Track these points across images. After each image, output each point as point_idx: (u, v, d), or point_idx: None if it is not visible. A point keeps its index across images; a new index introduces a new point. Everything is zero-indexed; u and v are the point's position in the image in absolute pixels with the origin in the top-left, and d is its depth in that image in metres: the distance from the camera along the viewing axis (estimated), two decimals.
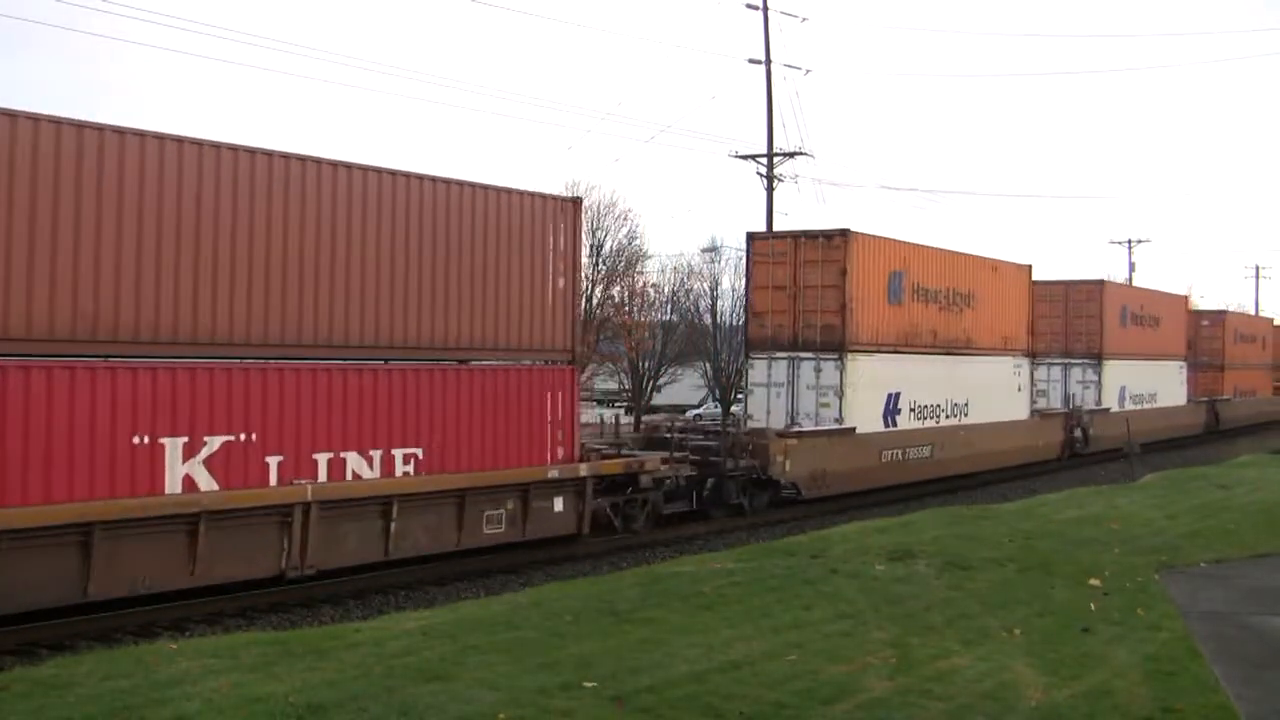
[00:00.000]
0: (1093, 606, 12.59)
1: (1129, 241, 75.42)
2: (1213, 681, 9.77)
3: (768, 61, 37.38)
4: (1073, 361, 37.68)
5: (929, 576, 14.04)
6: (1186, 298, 53.07)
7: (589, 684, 9.24)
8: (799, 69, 41.32)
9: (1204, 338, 50.77)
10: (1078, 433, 35.15)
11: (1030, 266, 33.03)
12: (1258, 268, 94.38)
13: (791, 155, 37.92)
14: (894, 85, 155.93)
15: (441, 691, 8.91)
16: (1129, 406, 39.28)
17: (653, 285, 52.11)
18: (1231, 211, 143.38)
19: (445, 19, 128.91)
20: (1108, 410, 37.10)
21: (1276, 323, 65.79)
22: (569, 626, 11.28)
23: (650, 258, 68.73)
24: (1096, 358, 37.85)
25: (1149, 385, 41.53)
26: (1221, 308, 61.39)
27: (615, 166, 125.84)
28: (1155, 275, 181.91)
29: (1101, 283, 39.38)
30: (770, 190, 37.86)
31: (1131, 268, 75.58)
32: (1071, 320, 37.95)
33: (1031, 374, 33.09)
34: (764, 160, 37.77)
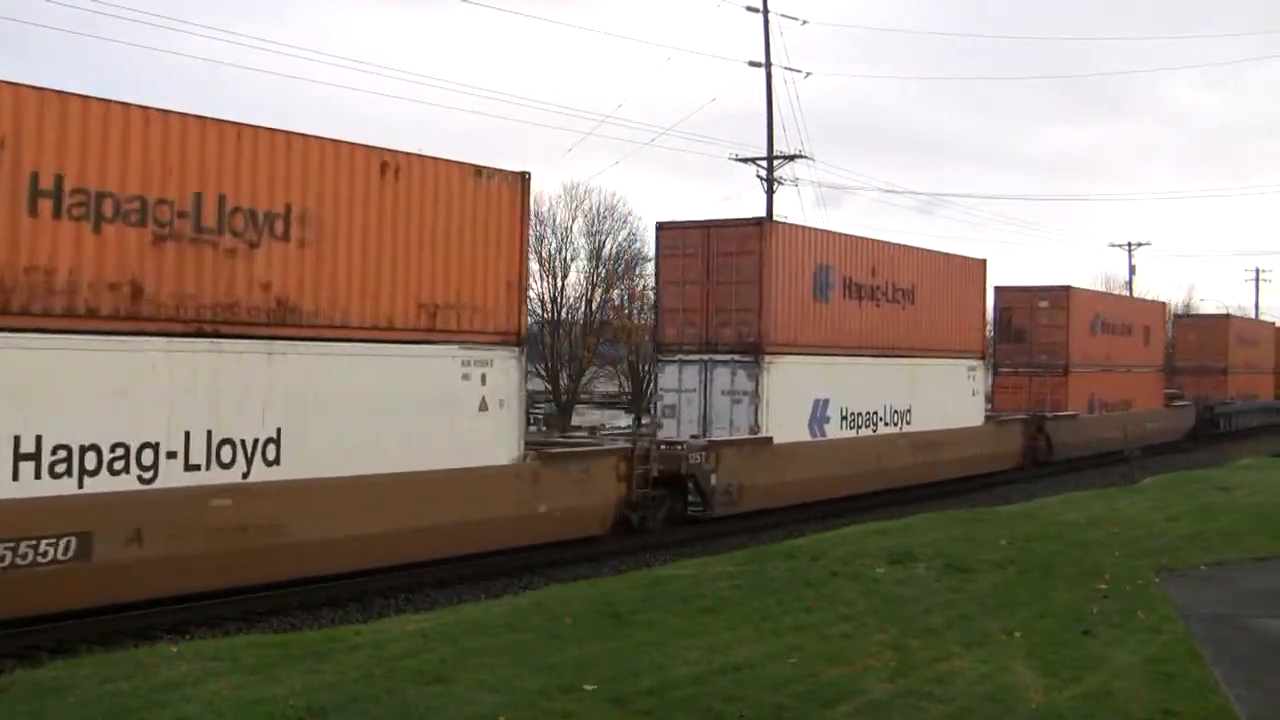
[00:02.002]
0: (1093, 609, 12.59)
1: (1129, 244, 75.46)
2: (1213, 684, 9.77)
3: (768, 64, 37.46)
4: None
5: (929, 579, 14.05)
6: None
7: (589, 686, 9.24)
8: (799, 71, 41.44)
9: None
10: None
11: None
12: (1258, 270, 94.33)
13: (792, 158, 38.01)
14: (894, 86, 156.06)
15: (442, 694, 8.91)
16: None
17: (653, 288, 52.15)
18: (1231, 214, 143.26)
19: (445, 19, 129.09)
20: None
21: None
22: (569, 629, 11.29)
23: (650, 260, 68.66)
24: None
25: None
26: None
27: (615, 168, 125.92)
28: (1155, 276, 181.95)
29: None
30: (770, 193, 37.93)
31: (1131, 270, 75.61)
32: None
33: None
34: (764, 163, 37.81)
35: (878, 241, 26.21)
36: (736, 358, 22.43)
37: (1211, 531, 18.66)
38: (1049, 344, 35.51)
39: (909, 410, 26.55)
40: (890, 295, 26.06)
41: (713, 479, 21.02)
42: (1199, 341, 52.72)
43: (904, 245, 27.24)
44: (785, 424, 22.74)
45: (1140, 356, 41.25)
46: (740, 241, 22.47)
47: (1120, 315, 40.30)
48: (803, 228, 24.32)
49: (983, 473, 30.34)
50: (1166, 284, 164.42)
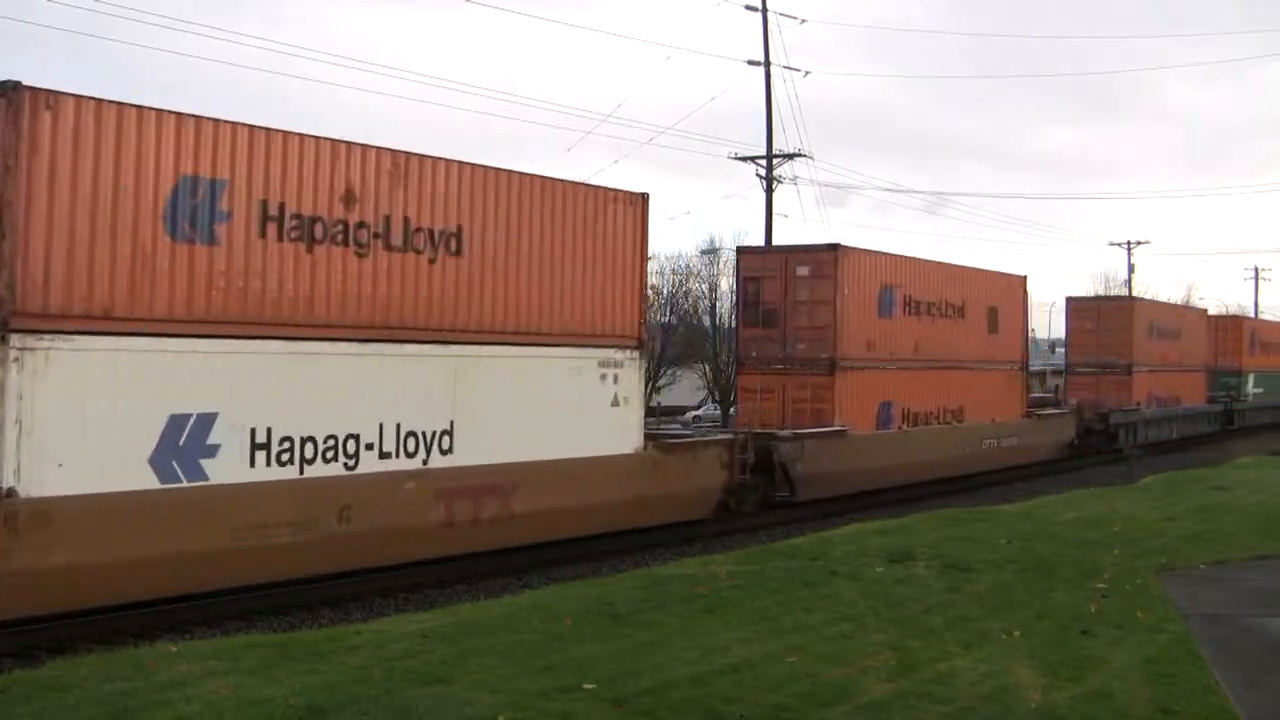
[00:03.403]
0: (1093, 609, 12.59)
1: (1128, 243, 75.43)
2: (1213, 684, 9.77)
3: (766, 63, 37.48)
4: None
5: (929, 578, 14.05)
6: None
7: (589, 686, 9.24)
8: (798, 70, 41.45)
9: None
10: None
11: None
12: (1257, 269, 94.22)
13: (791, 157, 38.04)
14: (895, 85, 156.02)
15: (441, 694, 8.91)
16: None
17: (651, 287, 52.10)
18: (1231, 213, 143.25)
19: (445, 19, 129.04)
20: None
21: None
22: (568, 629, 11.28)
23: (649, 259, 68.59)
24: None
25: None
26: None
27: (614, 168, 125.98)
28: (1155, 276, 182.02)
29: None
30: (769, 192, 37.95)
31: (1131, 269, 75.56)
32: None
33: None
34: (763, 162, 37.81)
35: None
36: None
37: (1211, 531, 18.67)
38: (811, 329, 25.22)
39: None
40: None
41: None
42: (1096, 331, 40.64)
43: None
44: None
45: (981, 349, 30.76)
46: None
47: (943, 289, 29.01)
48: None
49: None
50: (1166, 283, 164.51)
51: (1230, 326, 53.87)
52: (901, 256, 27.81)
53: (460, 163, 16.38)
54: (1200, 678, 9.97)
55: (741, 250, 27.40)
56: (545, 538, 17.84)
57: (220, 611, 14.12)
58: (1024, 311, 33.45)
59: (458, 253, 16.20)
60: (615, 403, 18.88)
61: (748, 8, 37.61)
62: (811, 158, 45.95)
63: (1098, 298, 54.56)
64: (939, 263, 29.25)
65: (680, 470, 20.48)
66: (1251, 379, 53.20)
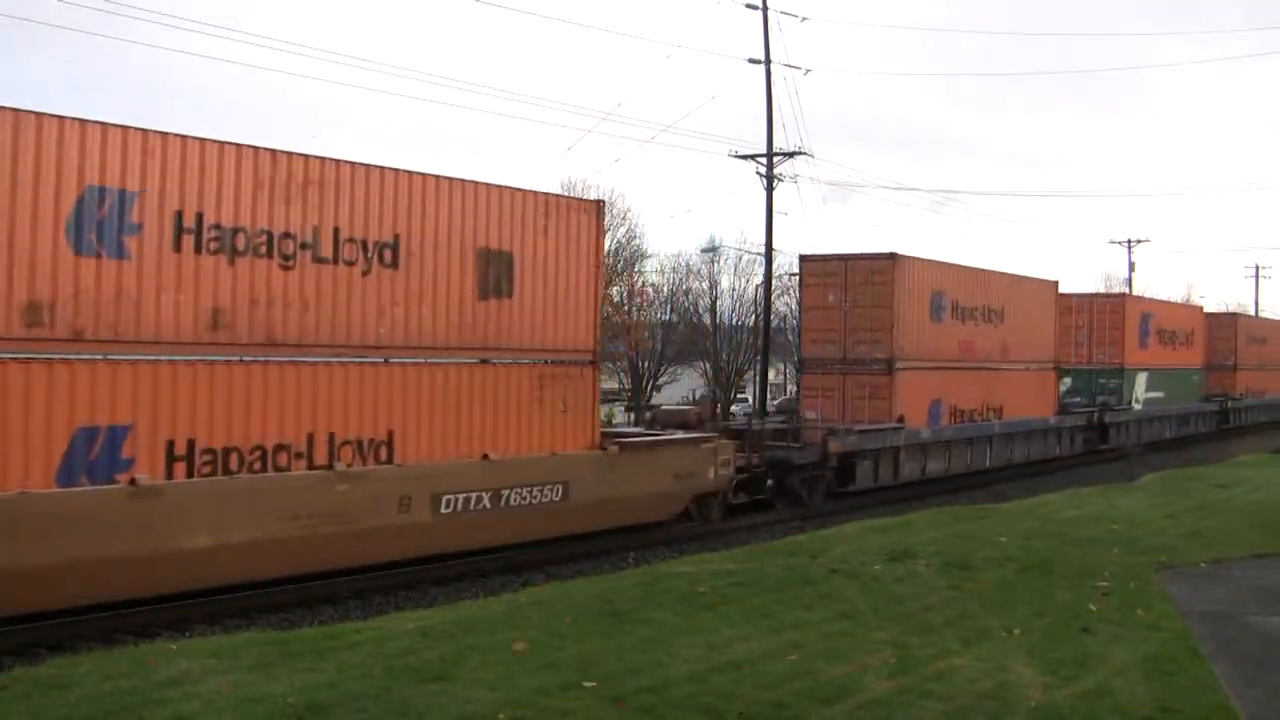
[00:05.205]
0: (1093, 606, 12.59)
1: (1129, 241, 75.38)
2: (1213, 681, 9.77)
3: (767, 61, 37.37)
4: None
5: (929, 576, 14.05)
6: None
7: (589, 684, 9.24)
8: (799, 69, 41.38)
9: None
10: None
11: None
12: (1257, 267, 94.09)
13: (791, 155, 37.89)
14: (893, 85, 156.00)
15: (441, 692, 8.92)
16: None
17: (652, 285, 52.18)
18: (1232, 211, 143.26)
19: (445, 18, 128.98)
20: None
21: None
22: (569, 626, 11.29)
23: (649, 257, 68.81)
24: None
25: None
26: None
27: (615, 166, 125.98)
28: (1155, 276, 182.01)
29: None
30: (770, 190, 37.85)
31: (1131, 267, 75.54)
32: None
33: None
34: (764, 160, 37.76)
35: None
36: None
37: (1210, 529, 18.68)
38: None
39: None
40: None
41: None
42: (841, 309, 26.62)
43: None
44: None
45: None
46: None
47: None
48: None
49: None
50: (1166, 282, 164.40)
51: (1110, 309, 39.26)
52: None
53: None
54: (1200, 675, 9.98)
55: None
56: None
57: (220, 609, 14.13)
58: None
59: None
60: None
61: (748, 6, 37.52)
62: (812, 156, 45.94)
63: (829, 257, 27.66)
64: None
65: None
66: (1141, 380, 39.63)
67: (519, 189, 17.68)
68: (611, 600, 12.49)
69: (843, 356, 26.58)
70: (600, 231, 19.39)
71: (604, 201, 20.12)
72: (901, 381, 26.35)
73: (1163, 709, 9.02)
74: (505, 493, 17.04)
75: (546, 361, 17.99)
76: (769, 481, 24.05)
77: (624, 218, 47.35)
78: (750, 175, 49.22)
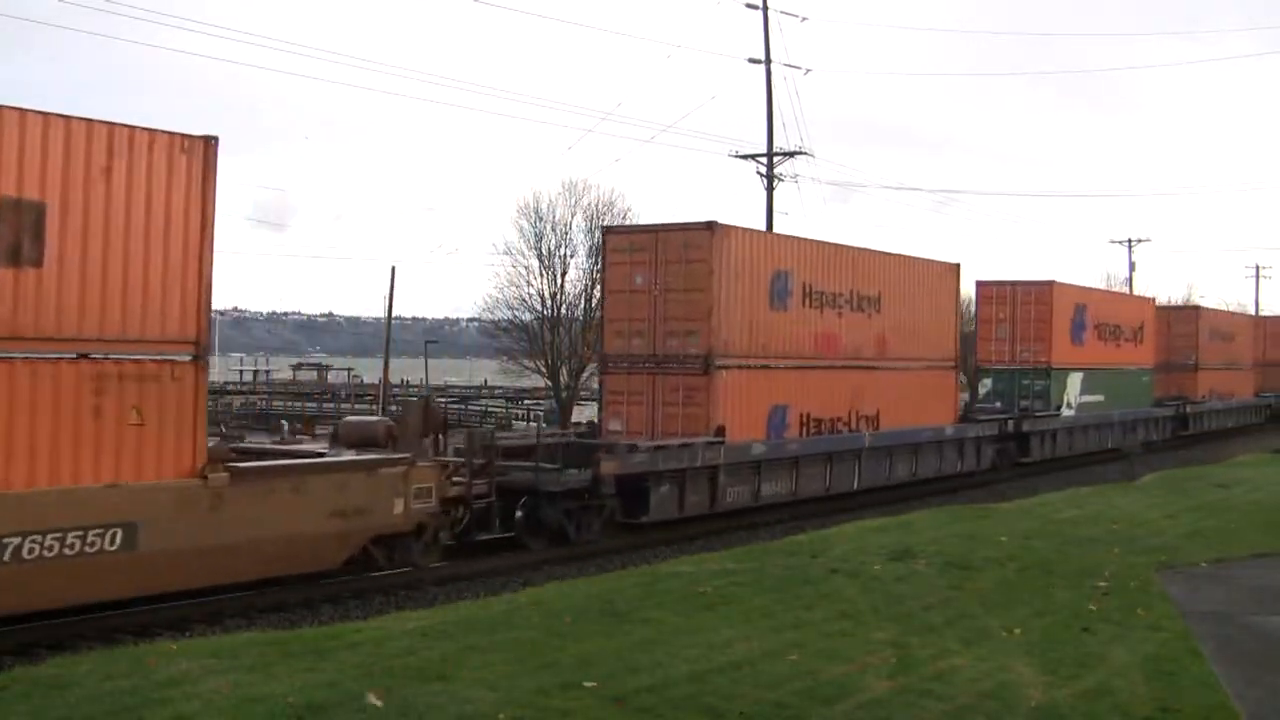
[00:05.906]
0: (1093, 606, 12.60)
1: (1129, 241, 75.31)
2: (1213, 681, 9.78)
3: (767, 61, 37.40)
4: None
5: (929, 576, 14.06)
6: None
7: (589, 684, 9.24)
8: (799, 68, 41.35)
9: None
10: None
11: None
12: (1258, 267, 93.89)
13: (791, 155, 37.92)
14: (894, 85, 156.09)
15: (441, 692, 8.91)
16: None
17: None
18: (1231, 211, 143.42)
19: (446, 19, 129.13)
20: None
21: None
22: (568, 626, 11.29)
23: None
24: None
25: None
26: None
27: (615, 166, 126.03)
28: (1155, 276, 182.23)
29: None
30: (770, 190, 37.87)
31: (1131, 267, 75.46)
32: None
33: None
34: (764, 160, 37.77)
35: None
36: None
37: (1210, 529, 18.69)
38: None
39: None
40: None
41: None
42: (650, 295, 22.13)
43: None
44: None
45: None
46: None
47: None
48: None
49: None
50: (1167, 282, 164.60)
51: (1036, 299, 33.86)
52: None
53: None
54: (1200, 675, 9.99)
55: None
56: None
57: (220, 609, 14.11)
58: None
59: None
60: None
61: (748, 6, 37.56)
62: (812, 155, 45.88)
63: (636, 228, 25.97)
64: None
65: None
66: (1075, 381, 34.68)
67: (62, 115, 12.47)
68: (611, 600, 12.50)
69: (653, 353, 21.18)
70: (211, 177, 13.60)
71: (216, 138, 13.62)
72: (723, 384, 20.90)
73: (1163, 709, 9.02)
74: (9, 542, 11.69)
75: (109, 357, 12.72)
76: (518, 514, 18.24)
77: (624, 217, 47.19)
78: (750, 175, 49.08)
